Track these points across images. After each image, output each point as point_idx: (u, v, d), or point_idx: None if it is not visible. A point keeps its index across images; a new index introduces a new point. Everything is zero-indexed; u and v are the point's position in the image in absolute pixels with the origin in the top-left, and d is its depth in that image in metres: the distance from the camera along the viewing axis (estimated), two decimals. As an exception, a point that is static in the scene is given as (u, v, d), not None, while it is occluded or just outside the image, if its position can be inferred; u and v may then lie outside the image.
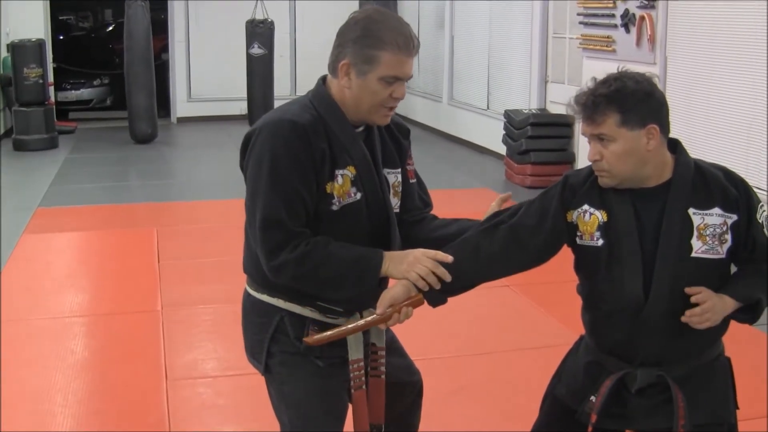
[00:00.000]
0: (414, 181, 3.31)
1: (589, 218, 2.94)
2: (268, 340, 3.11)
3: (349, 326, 3.01)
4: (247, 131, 3.05)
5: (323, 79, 3.11)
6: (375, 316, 2.97)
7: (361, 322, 3.03)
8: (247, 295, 3.22)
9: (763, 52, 7.72)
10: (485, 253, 3.00)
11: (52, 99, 15.07)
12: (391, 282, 3.05)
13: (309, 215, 2.96)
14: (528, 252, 3.02)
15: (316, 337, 3.00)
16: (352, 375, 3.14)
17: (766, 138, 7.74)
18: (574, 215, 2.97)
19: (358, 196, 3.03)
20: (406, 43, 2.96)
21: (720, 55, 8.34)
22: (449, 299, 3.05)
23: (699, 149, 8.26)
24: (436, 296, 2.99)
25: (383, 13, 3.03)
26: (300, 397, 3.11)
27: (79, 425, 4.89)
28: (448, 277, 2.93)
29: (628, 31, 9.87)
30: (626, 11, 9.84)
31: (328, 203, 2.98)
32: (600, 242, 2.93)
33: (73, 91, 17.79)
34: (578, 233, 2.97)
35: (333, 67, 3.03)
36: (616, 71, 2.92)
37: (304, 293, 3.03)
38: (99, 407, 5.14)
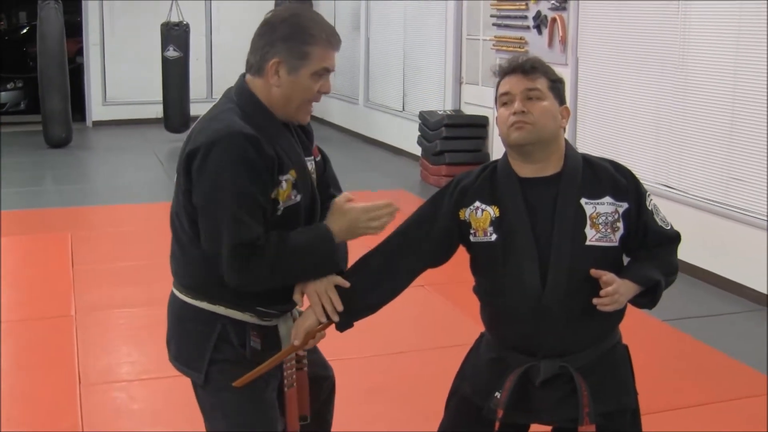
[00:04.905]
0: (319, 158, 3.26)
1: (481, 214, 3.00)
2: (211, 349, 3.08)
3: (272, 359, 3.06)
4: (189, 149, 2.94)
5: (244, 80, 3.08)
6: (293, 344, 3.06)
7: (282, 352, 3.09)
8: (181, 303, 3.14)
9: (671, 53, 7.87)
10: (379, 268, 3.07)
11: (-35, 103, 14.85)
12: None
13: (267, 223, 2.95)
14: (421, 256, 3.08)
15: (242, 379, 3.03)
16: (285, 373, 3.17)
17: (673, 138, 7.89)
18: (466, 213, 3.02)
19: (298, 198, 3.03)
20: (334, 36, 3.03)
21: (630, 56, 8.48)
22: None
23: (608, 149, 8.42)
24: (342, 323, 3.06)
25: (307, 10, 3.09)
26: (241, 406, 3.09)
27: (-10, 433, 4.84)
28: (339, 306, 3.00)
29: (540, 32, 10.01)
30: (538, 13, 9.98)
31: (274, 209, 2.97)
32: (493, 237, 2.98)
33: (-15, 96, 17.52)
34: (471, 230, 3.01)
35: (259, 66, 3.00)
36: None
37: (244, 299, 3.03)
38: (11, 415, 5.07)
